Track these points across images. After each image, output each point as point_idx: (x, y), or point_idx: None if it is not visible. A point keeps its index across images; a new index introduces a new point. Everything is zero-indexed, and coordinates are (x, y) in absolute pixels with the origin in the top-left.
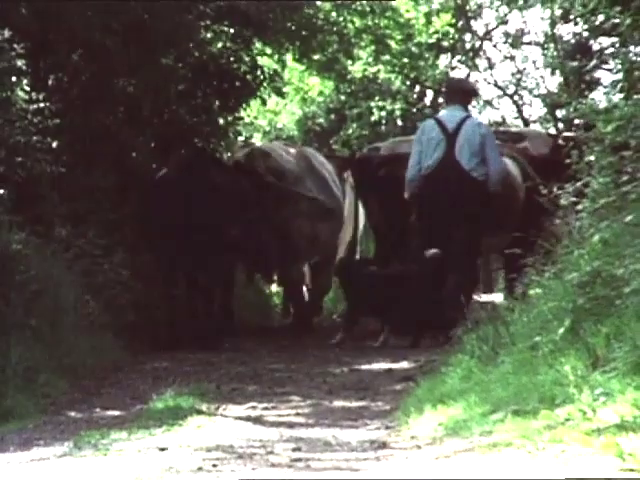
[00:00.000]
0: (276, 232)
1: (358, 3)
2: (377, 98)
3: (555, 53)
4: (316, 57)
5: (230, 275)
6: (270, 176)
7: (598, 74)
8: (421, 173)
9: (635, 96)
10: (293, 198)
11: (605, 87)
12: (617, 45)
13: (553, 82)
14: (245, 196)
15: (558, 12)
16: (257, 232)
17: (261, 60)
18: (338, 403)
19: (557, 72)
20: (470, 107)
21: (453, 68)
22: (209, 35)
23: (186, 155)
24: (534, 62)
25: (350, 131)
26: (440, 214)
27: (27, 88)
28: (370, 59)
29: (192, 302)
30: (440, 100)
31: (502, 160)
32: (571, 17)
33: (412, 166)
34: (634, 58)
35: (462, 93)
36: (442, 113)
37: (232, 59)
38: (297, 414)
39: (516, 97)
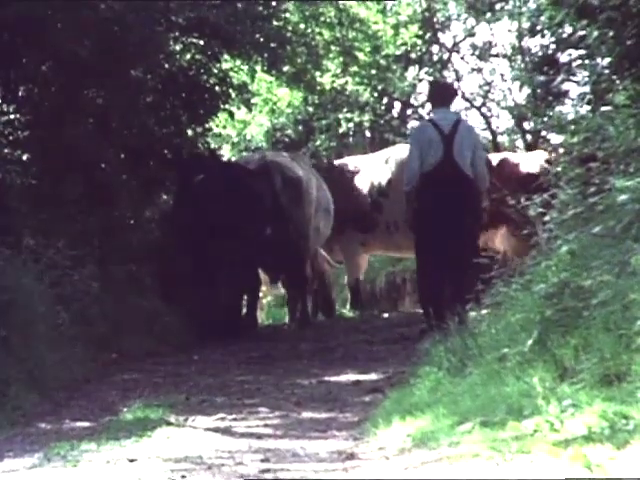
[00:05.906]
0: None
1: (327, 15)
2: (345, 110)
3: (522, 65)
4: (285, 68)
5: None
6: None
7: (565, 86)
8: (421, 171)
9: (602, 108)
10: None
11: (572, 99)
12: (584, 57)
13: (521, 94)
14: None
15: (525, 25)
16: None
17: (230, 72)
18: (306, 414)
19: (525, 84)
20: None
21: (421, 80)
22: (178, 47)
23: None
24: (502, 74)
25: (318, 142)
26: (440, 211)
27: None
28: (338, 71)
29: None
30: (408, 112)
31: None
32: (538, 30)
33: (412, 162)
34: (601, 70)
35: (449, 96)
36: (435, 116)
37: (201, 71)
38: (266, 425)
39: (484, 109)
